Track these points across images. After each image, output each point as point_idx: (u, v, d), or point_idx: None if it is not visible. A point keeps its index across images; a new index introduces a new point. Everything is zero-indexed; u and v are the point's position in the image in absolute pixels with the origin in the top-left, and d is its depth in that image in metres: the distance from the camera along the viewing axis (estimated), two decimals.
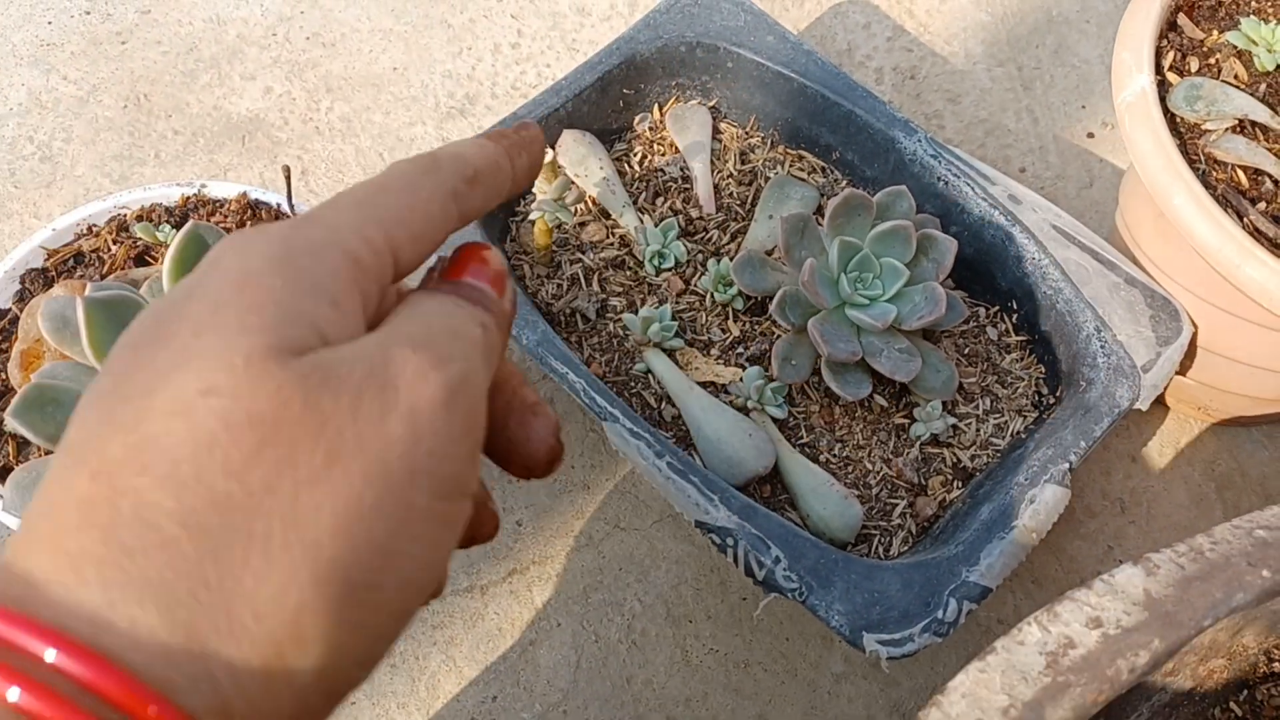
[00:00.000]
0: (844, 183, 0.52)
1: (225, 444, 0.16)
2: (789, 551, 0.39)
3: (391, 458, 0.17)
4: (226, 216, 0.44)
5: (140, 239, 0.43)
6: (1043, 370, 0.47)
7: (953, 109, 0.62)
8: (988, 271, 0.49)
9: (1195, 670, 0.37)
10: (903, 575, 0.39)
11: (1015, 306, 0.48)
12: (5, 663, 0.15)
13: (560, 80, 0.50)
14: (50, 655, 0.15)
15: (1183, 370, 0.48)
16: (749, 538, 0.39)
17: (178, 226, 0.43)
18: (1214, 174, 0.41)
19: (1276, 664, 0.38)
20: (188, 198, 0.44)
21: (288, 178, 0.44)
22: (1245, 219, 0.40)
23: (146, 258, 0.43)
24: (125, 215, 0.44)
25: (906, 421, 0.46)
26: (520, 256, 0.49)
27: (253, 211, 0.44)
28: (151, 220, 0.44)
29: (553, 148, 0.50)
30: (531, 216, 0.46)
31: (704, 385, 0.46)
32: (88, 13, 0.63)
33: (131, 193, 0.44)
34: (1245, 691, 0.38)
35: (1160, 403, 0.52)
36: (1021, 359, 0.48)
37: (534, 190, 0.48)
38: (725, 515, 0.39)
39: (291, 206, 0.44)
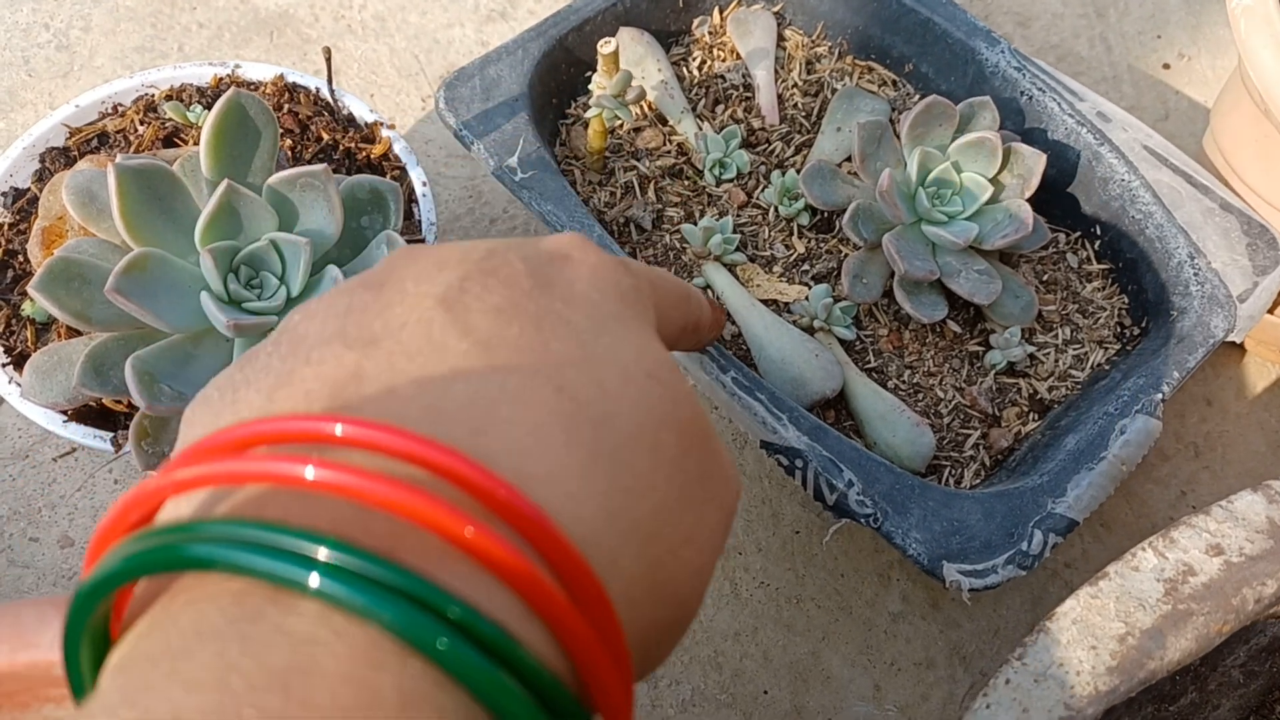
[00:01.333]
0: (916, 97, 0.49)
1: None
2: (862, 475, 0.36)
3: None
4: (264, 98, 0.41)
5: (170, 119, 0.40)
6: (1126, 301, 0.45)
7: (1023, 33, 0.58)
8: (1070, 194, 0.45)
9: None
10: (984, 504, 0.36)
11: (1099, 232, 0.45)
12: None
13: None
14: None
15: (1270, 308, 0.45)
16: (820, 459, 0.36)
17: (209, 107, 0.40)
18: None
19: None
20: (220, 78, 0.41)
21: (328, 60, 0.40)
22: None
23: (176, 139, 0.40)
24: (154, 95, 0.41)
25: (981, 349, 0.43)
26: (570, 161, 0.46)
27: (290, 94, 0.41)
28: (182, 100, 0.41)
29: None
30: (588, 115, 0.43)
31: (766, 303, 0.43)
32: None
33: (160, 71, 0.41)
34: None
35: (1238, 346, 0.49)
36: (1104, 288, 0.45)
37: (592, 86, 0.45)
38: (795, 435, 0.36)
39: (332, 91, 0.41)
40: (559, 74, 0.45)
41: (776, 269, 0.44)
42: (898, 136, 0.44)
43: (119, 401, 0.35)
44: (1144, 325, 0.43)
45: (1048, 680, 0.27)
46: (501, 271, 0.19)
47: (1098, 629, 0.28)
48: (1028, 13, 0.59)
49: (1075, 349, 0.43)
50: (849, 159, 0.46)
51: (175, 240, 0.32)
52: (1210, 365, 0.49)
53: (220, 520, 0.14)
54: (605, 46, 0.40)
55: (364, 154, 0.40)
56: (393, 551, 0.14)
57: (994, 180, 0.42)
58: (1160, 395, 0.39)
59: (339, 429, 0.15)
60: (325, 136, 0.39)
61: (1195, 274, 0.41)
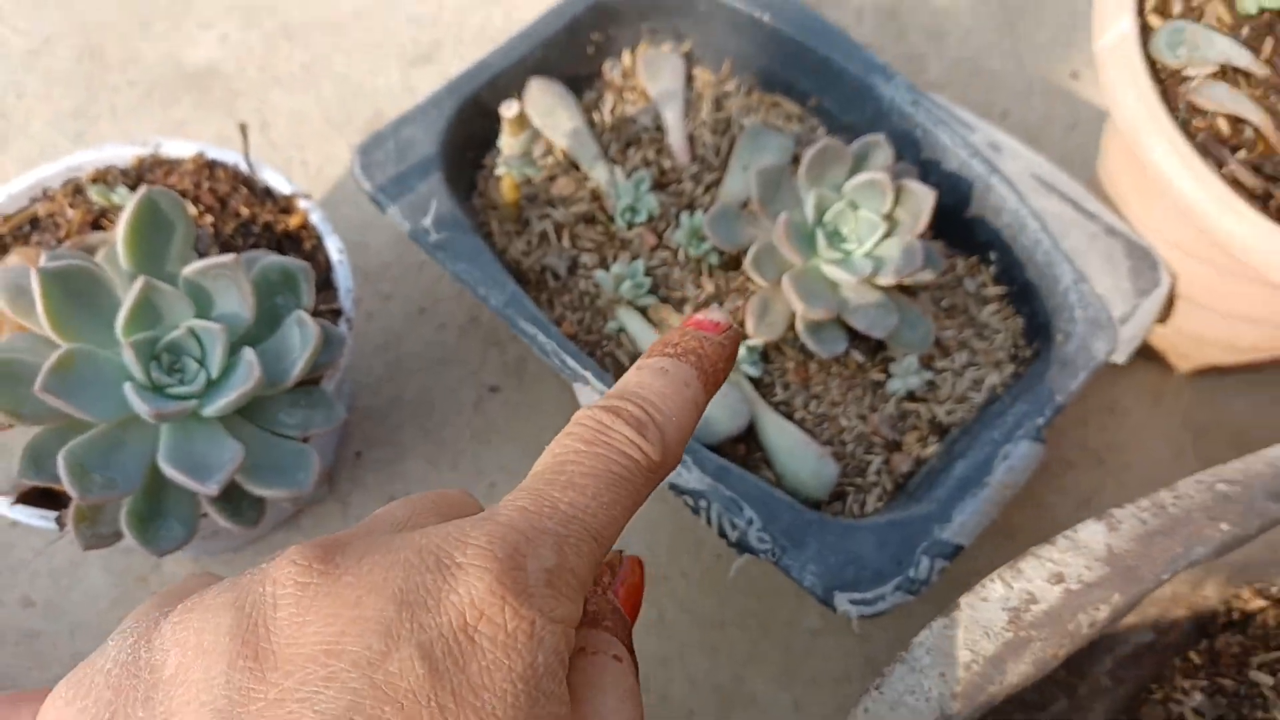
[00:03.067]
0: (821, 130, 0.51)
1: None
2: (763, 512, 0.38)
3: None
4: (183, 177, 0.42)
5: (96, 202, 0.41)
6: (1021, 323, 0.47)
7: (936, 49, 0.60)
8: (966, 222, 0.48)
9: (1157, 622, 0.37)
10: (876, 534, 0.39)
11: (994, 258, 0.47)
12: None
13: (527, 26, 0.48)
14: None
15: (1162, 319, 0.47)
16: (722, 499, 0.39)
17: (133, 188, 0.42)
18: (1194, 122, 0.40)
19: (1235, 614, 0.38)
20: (142, 158, 0.43)
21: (244, 135, 0.42)
22: (1224, 168, 0.39)
23: (102, 221, 0.42)
24: (80, 177, 0.43)
25: (883, 377, 0.46)
26: (488, 212, 0.48)
27: (210, 171, 0.42)
28: (106, 182, 0.42)
29: (519, 98, 0.49)
30: (497, 172, 0.44)
31: None
32: None
33: (85, 154, 0.43)
34: (1205, 641, 0.38)
35: (1139, 354, 0.51)
36: (1000, 311, 0.47)
37: (500, 144, 0.47)
38: (699, 477, 0.39)
39: (250, 165, 0.42)
40: (473, 129, 0.47)
41: (688, 309, 0.46)
42: (798, 174, 0.46)
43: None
44: (1035, 347, 0.46)
45: (901, 708, 0.29)
46: (396, 692, 0.17)
47: (947, 657, 0.30)
48: (941, 28, 0.61)
49: (973, 372, 0.46)
50: None
51: (99, 333, 0.35)
52: (1111, 374, 0.52)
53: None
54: (508, 110, 0.42)
55: (282, 226, 0.42)
56: None
57: (888, 217, 0.44)
58: (1042, 420, 0.41)
59: None
60: (244, 211, 0.41)
61: (1079, 298, 0.44)
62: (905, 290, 0.47)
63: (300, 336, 0.35)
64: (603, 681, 0.21)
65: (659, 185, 0.49)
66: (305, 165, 0.55)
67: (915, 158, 0.48)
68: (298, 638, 0.18)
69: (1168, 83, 0.41)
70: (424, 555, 0.20)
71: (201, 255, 0.41)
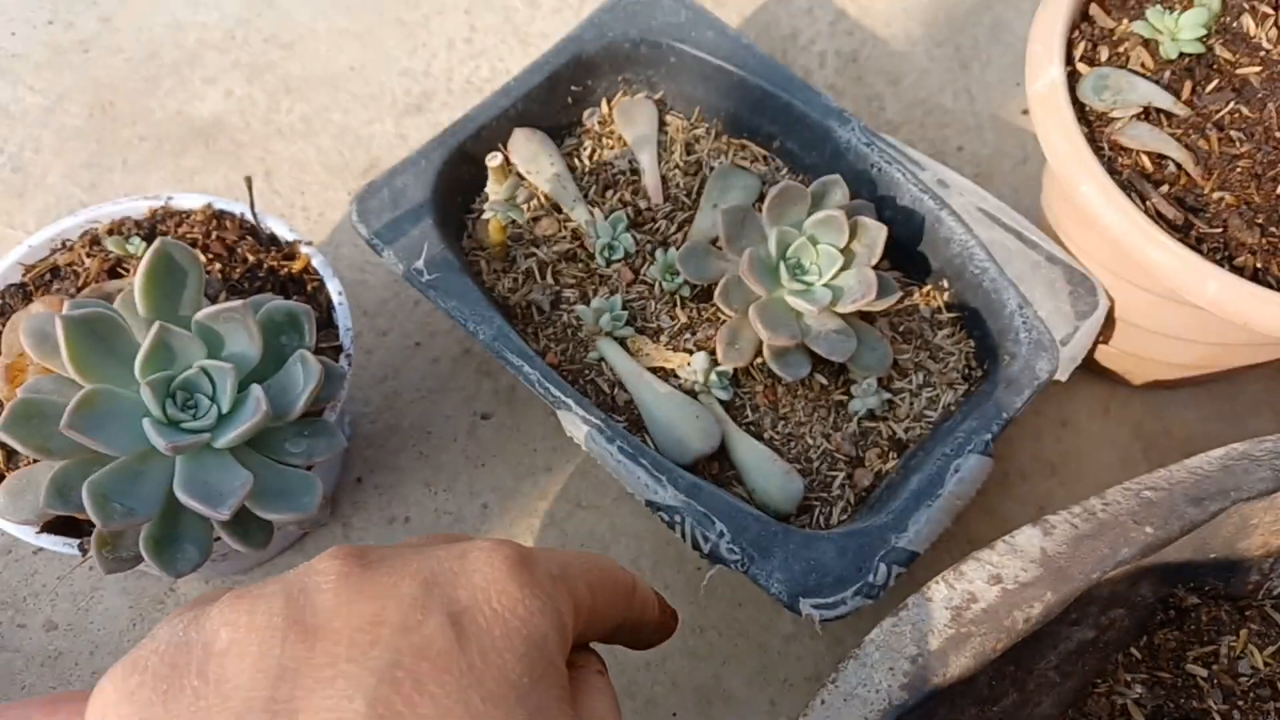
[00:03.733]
0: (785, 170, 0.55)
1: None
2: (732, 526, 0.42)
3: None
4: (193, 227, 0.46)
5: (112, 252, 0.45)
6: (972, 345, 0.50)
7: (893, 90, 0.64)
8: (920, 252, 0.51)
9: (1098, 619, 0.40)
10: (838, 544, 0.42)
11: (946, 285, 0.51)
12: None
13: (509, 82, 0.52)
14: None
15: (1105, 339, 0.51)
16: (695, 514, 0.42)
17: (147, 238, 0.46)
18: (1120, 160, 0.44)
19: (1172, 611, 0.41)
20: (155, 210, 0.47)
21: (249, 188, 0.46)
22: (1148, 202, 0.42)
23: (119, 269, 0.45)
24: (97, 229, 0.46)
25: (845, 398, 0.49)
26: (477, 252, 0.51)
27: (218, 221, 0.46)
28: (122, 233, 0.46)
29: (504, 146, 0.53)
30: (484, 216, 0.48)
31: (655, 370, 0.49)
32: (50, 23, 0.64)
33: (102, 207, 0.46)
34: (1145, 637, 0.41)
35: (1089, 369, 0.55)
36: (953, 334, 0.51)
37: (487, 190, 0.51)
38: (672, 494, 0.42)
39: (255, 215, 0.46)
40: (462, 176, 0.51)
41: (663, 338, 0.50)
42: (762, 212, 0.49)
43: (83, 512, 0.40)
44: (985, 368, 0.49)
45: (853, 699, 0.32)
46: (430, 651, 0.20)
47: (896, 652, 0.33)
48: (897, 70, 0.65)
49: (928, 391, 0.49)
50: None
51: (118, 374, 0.38)
52: (1064, 388, 0.55)
53: None
54: (492, 160, 0.46)
55: (285, 270, 0.45)
56: None
57: (845, 250, 0.48)
58: (990, 435, 0.45)
59: None
60: (250, 258, 0.45)
61: (1024, 322, 0.47)
62: (864, 317, 0.50)
63: (304, 373, 0.38)
64: (595, 687, 0.25)
65: (635, 224, 0.53)
66: (306, 210, 0.59)
67: (872, 194, 0.52)
68: (343, 614, 0.21)
69: (1095, 124, 0.45)
70: (449, 549, 0.24)
71: (212, 299, 0.44)
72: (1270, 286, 0.41)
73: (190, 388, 0.38)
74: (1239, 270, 0.42)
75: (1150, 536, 0.37)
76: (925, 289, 0.52)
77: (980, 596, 0.35)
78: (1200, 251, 0.42)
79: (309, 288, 0.45)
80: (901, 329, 0.51)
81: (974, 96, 0.64)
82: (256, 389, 0.38)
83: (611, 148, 0.55)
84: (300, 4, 0.66)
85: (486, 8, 0.66)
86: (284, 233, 0.46)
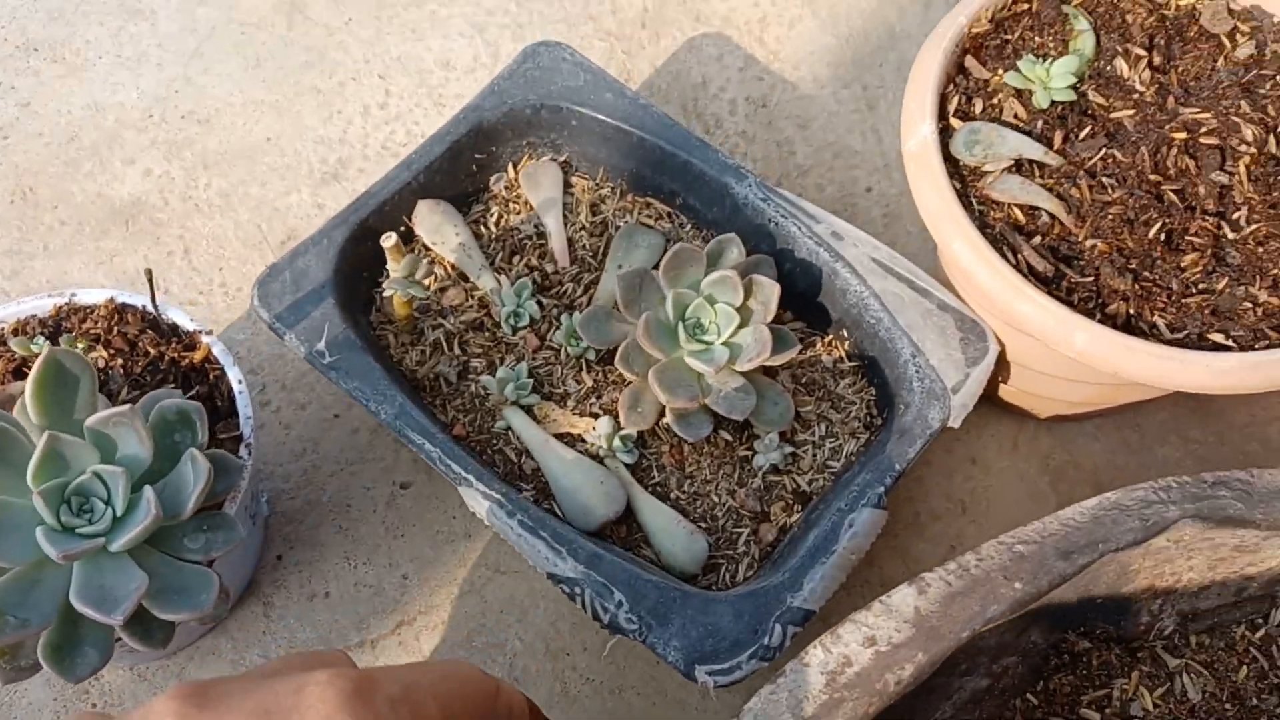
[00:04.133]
0: (689, 226, 0.56)
1: None
2: (630, 595, 0.43)
3: None
4: (97, 322, 0.47)
5: (17, 353, 0.46)
6: (874, 393, 0.51)
7: (802, 134, 0.65)
8: (820, 304, 0.52)
9: (989, 668, 0.41)
10: (734, 606, 0.43)
11: (846, 334, 0.52)
12: None
13: (410, 154, 0.53)
14: None
15: (1005, 380, 0.52)
16: (594, 585, 0.43)
17: (51, 337, 0.46)
18: (992, 214, 0.45)
19: (1066, 655, 0.42)
20: (59, 307, 0.47)
21: (150, 280, 0.47)
22: (1019, 255, 0.44)
23: (24, 369, 0.46)
24: (3, 330, 0.47)
25: (750, 453, 0.50)
26: (385, 326, 0.52)
27: (120, 315, 0.47)
28: (26, 333, 0.47)
29: (409, 219, 0.54)
30: (386, 293, 0.49)
31: (562, 436, 0.50)
32: None
33: (6, 307, 0.47)
34: (1040, 683, 0.42)
35: (997, 405, 0.56)
36: (854, 383, 0.52)
37: (388, 267, 0.51)
38: (572, 566, 0.43)
39: (156, 307, 0.47)
40: (366, 253, 0.52)
41: (570, 403, 0.51)
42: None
43: None
44: (885, 415, 0.50)
45: None
46: None
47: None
48: (806, 114, 0.66)
49: (831, 442, 0.50)
50: None
51: (13, 484, 0.39)
52: (974, 426, 0.56)
53: None
54: (386, 240, 0.47)
55: (187, 361, 0.46)
56: None
57: (741, 308, 0.49)
58: (883, 488, 0.45)
59: None
60: (152, 350, 0.46)
61: (916, 371, 0.48)
62: (766, 371, 0.51)
63: (194, 472, 0.39)
64: None
65: (543, 288, 0.54)
66: (225, 286, 0.60)
67: (771, 248, 0.53)
68: None
69: (969, 179, 0.46)
70: (286, 682, 0.24)
71: (113, 395, 0.45)
72: (1143, 332, 0.43)
73: (84, 493, 0.39)
74: (1112, 318, 0.43)
75: (1019, 592, 0.37)
76: (828, 339, 0.53)
77: (855, 660, 0.35)
78: (1071, 302, 0.43)
79: (211, 376, 0.46)
80: (804, 380, 0.52)
81: (881, 136, 0.65)
82: (149, 490, 0.39)
83: (518, 212, 0.56)
84: (217, 79, 0.67)
85: (401, 72, 0.67)
86: (185, 323, 0.47)
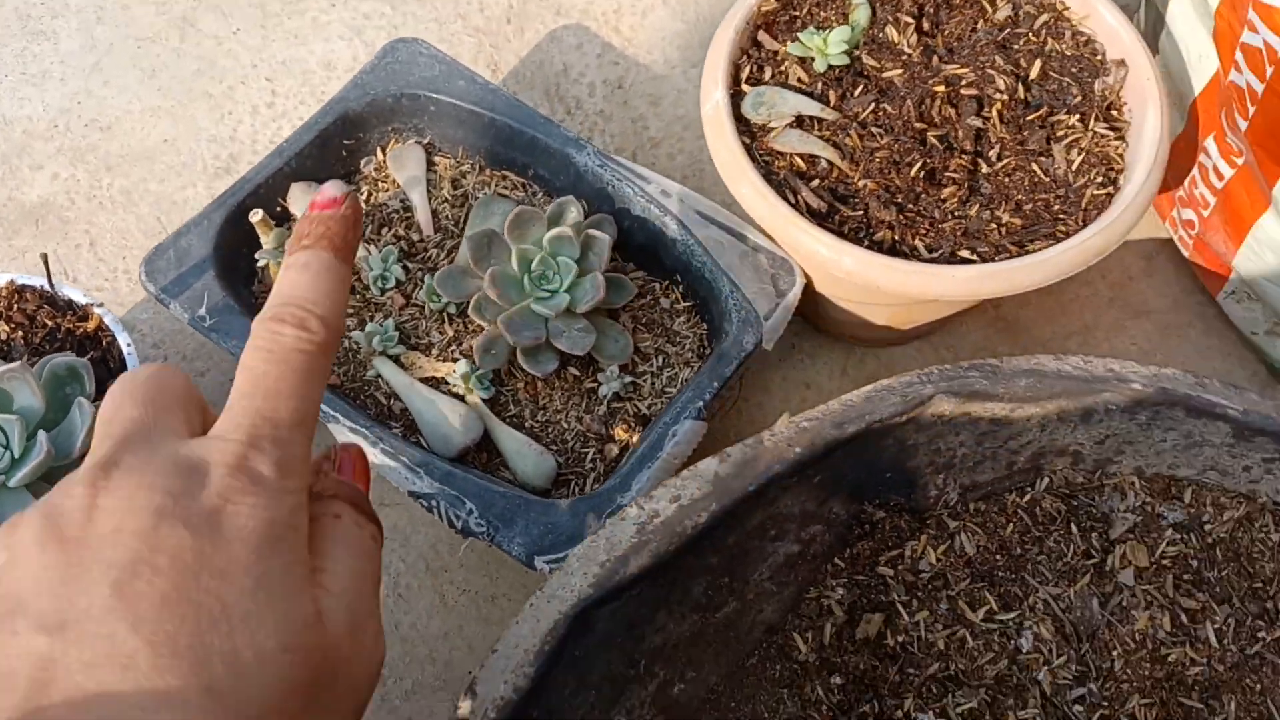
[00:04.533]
0: (540, 194, 0.62)
1: None
2: (480, 503, 0.49)
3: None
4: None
5: None
6: (705, 328, 0.58)
7: (655, 110, 0.72)
8: (656, 254, 0.59)
9: (798, 534, 0.47)
10: (572, 508, 0.49)
11: (680, 279, 0.59)
12: None
13: (282, 143, 0.59)
14: None
15: (823, 311, 0.59)
16: (448, 498, 0.49)
17: None
18: (776, 164, 0.52)
19: (866, 525, 0.49)
20: None
21: (46, 264, 0.52)
22: (799, 196, 0.51)
23: None
24: None
25: (595, 385, 0.56)
26: (266, 295, 0.58)
27: (19, 294, 0.53)
28: None
29: (284, 199, 0.60)
30: (260, 264, 0.55)
31: (428, 380, 0.56)
32: None
33: None
34: (846, 549, 0.49)
35: (828, 333, 0.63)
36: (689, 321, 0.59)
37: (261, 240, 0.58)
38: (428, 483, 0.49)
39: (52, 285, 0.53)
40: (244, 231, 0.58)
41: (434, 352, 0.57)
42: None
43: None
44: (713, 346, 0.57)
45: (554, 599, 0.39)
46: (168, 546, 0.24)
47: (590, 560, 0.40)
48: (658, 93, 0.73)
49: (668, 371, 0.57)
50: None
51: None
52: (807, 356, 0.63)
53: None
54: (253, 216, 0.53)
55: (81, 330, 0.52)
56: None
57: (580, 260, 0.56)
58: (703, 402, 0.52)
59: None
60: (49, 323, 0.52)
61: (734, 304, 0.55)
62: (609, 314, 0.58)
63: (81, 417, 0.45)
64: (334, 535, 0.28)
65: (409, 255, 0.60)
66: (129, 273, 0.66)
67: (611, 208, 0.60)
68: (91, 528, 0.24)
69: (757, 135, 0.53)
70: (179, 465, 0.26)
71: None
72: (905, 254, 0.50)
73: None
74: (879, 244, 0.50)
75: (799, 455, 0.44)
76: (665, 284, 0.60)
77: (661, 513, 0.42)
78: (843, 233, 0.50)
79: (104, 342, 0.52)
80: (645, 320, 0.59)
81: None
82: (42, 434, 0.45)
83: (386, 190, 0.62)
84: (116, 90, 0.72)
85: (286, 74, 0.73)
86: (78, 298, 0.53)
